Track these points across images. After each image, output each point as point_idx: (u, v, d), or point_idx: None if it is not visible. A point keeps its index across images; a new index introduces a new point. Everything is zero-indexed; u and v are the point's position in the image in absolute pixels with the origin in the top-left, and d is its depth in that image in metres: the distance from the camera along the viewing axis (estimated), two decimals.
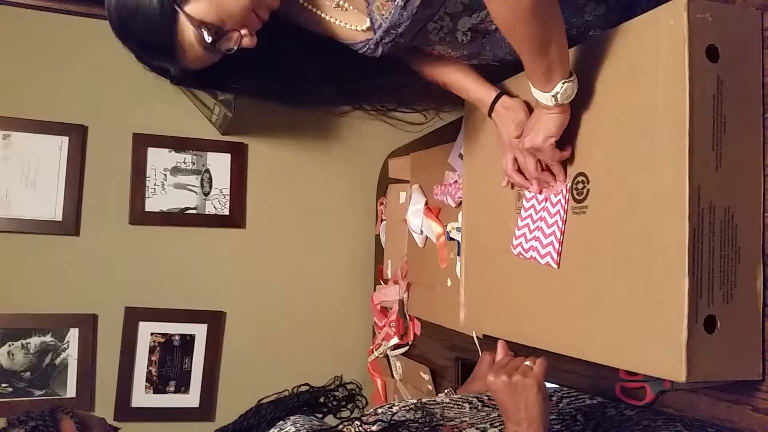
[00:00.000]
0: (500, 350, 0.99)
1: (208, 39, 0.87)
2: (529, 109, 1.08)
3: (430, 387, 1.73)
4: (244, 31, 0.90)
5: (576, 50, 1.00)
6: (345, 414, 1.08)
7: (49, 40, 1.98)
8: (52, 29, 1.97)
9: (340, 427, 0.92)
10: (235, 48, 0.90)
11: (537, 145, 0.98)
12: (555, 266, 1.04)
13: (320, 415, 1.05)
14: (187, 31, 0.87)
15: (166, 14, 0.86)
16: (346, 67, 1.10)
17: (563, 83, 0.90)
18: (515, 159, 1.09)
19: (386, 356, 1.97)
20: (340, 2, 0.97)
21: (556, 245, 1.03)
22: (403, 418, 0.96)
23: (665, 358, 0.82)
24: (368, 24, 0.97)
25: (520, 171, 1.09)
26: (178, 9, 0.86)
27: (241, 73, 1.04)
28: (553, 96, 0.91)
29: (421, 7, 0.92)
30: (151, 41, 0.89)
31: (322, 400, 1.07)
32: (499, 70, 1.16)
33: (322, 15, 1.00)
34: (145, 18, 0.86)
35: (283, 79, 1.10)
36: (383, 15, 0.94)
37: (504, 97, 1.12)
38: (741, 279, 0.84)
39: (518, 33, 0.85)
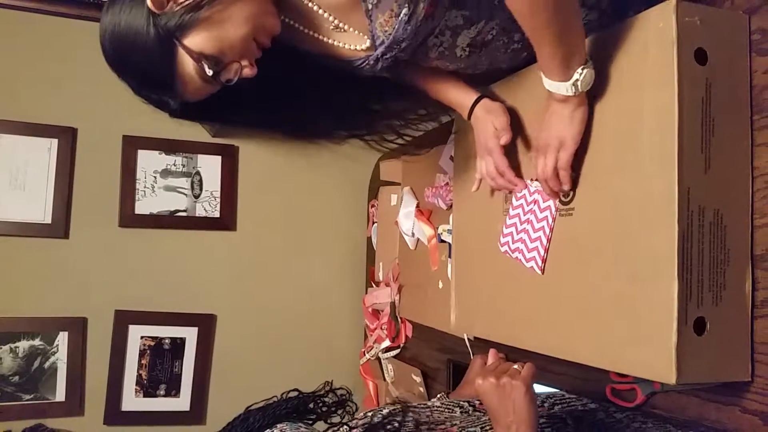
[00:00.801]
0: (490, 356, 0.98)
1: (209, 72, 0.84)
2: (512, 113, 1.08)
3: (421, 389, 1.72)
4: (244, 62, 0.87)
5: None
6: (335, 420, 1.07)
7: (38, 42, 1.96)
8: (41, 31, 1.96)
9: None
10: (236, 79, 0.88)
11: (552, 142, 0.95)
12: (539, 272, 1.04)
13: (310, 422, 1.04)
14: (187, 63, 0.84)
15: (165, 47, 0.83)
16: (347, 89, 1.08)
17: (582, 69, 0.87)
18: (496, 160, 1.08)
19: (378, 359, 1.97)
20: (339, 24, 0.95)
21: (542, 251, 1.03)
22: (386, 418, 0.95)
23: (655, 360, 0.82)
24: (368, 44, 0.96)
25: (500, 173, 1.09)
26: (176, 42, 0.83)
27: (241, 104, 1.01)
28: (573, 84, 0.87)
29: (424, 21, 0.91)
30: (149, 74, 0.86)
31: (311, 406, 1.05)
32: (495, 76, 1.16)
33: (322, 38, 0.98)
34: (142, 51, 0.83)
35: (284, 107, 1.07)
36: (386, 31, 0.92)
37: (485, 101, 1.11)
38: (730, 281, 0.84)
39: (540, 17, 0.82)
